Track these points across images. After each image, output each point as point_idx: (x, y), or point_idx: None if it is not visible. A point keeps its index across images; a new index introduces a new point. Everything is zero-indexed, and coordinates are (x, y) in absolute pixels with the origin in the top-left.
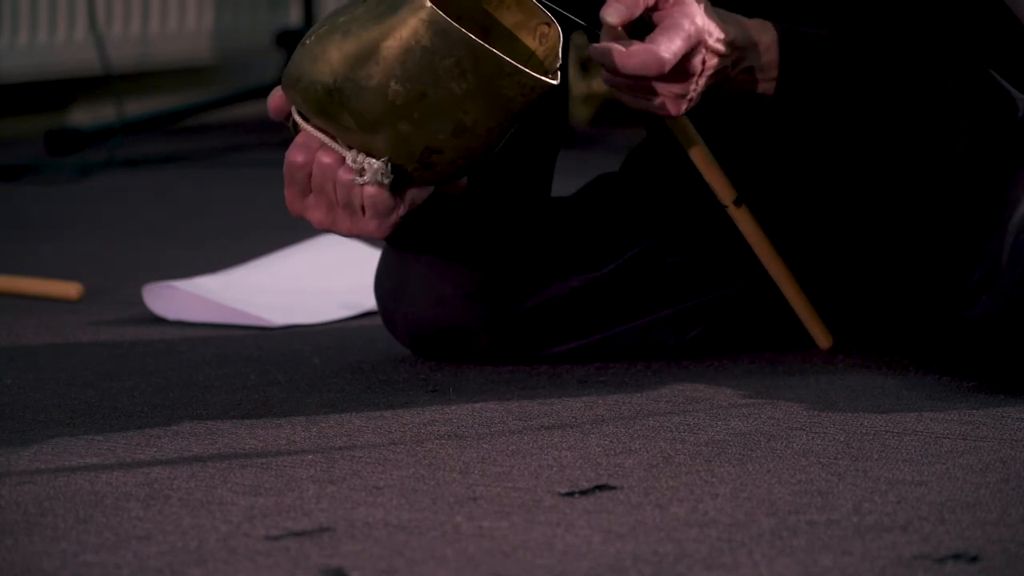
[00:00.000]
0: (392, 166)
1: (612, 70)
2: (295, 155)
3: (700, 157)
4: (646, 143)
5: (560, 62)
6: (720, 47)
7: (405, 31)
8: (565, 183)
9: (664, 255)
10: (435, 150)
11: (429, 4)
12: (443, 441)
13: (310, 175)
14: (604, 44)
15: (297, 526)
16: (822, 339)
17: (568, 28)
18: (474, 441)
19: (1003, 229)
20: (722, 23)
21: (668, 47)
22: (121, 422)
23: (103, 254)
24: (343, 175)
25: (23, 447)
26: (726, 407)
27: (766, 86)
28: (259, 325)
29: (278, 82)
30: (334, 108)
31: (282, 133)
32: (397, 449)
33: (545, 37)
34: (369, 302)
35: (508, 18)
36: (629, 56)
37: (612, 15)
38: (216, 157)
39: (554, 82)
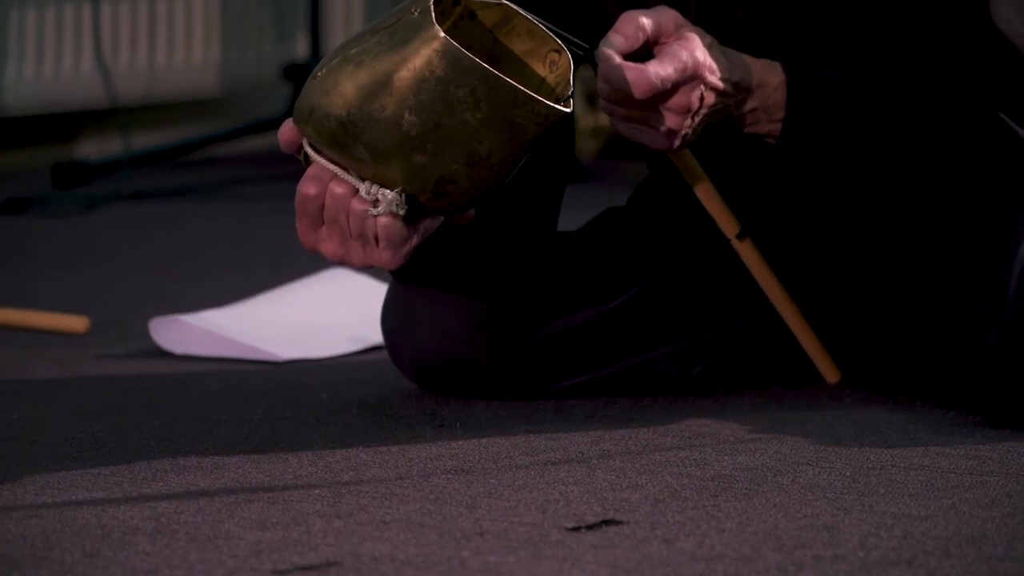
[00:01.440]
0: (406, 196)
1: (601, 80)
2: (307, 187)
3: (703, 190)
4: (652, 178)
5: (572, 89)
6: (720, 85)
7: (419, 61)
8: (572, 217)
9: (671, 290)
10: (449, 180)
11: (442, 34)
12: (449, 476)
13: (323, 207)
14: (604, 50)
15: (304, 560)
16: (830, 374)
17: (576, 60)
18: (480, 476)
19: (1009, 262)
20: (727, 62)
21: (657, 71)
22: (128, 456)
23: (110, 287)
24: (356, 205)
25: (30, 481)
26: (732, 442)
27: (772, 127)
28: (266, 359)
29: (286, 115)
30: (347, 140)
31: (289, 166)
32: (404, 484)
33: (555, 65)
34: (376, 336)
35: (518, 45)
36: (617, 68)
37: (612, 46)
38: (223, 190)
39: (567, 110)
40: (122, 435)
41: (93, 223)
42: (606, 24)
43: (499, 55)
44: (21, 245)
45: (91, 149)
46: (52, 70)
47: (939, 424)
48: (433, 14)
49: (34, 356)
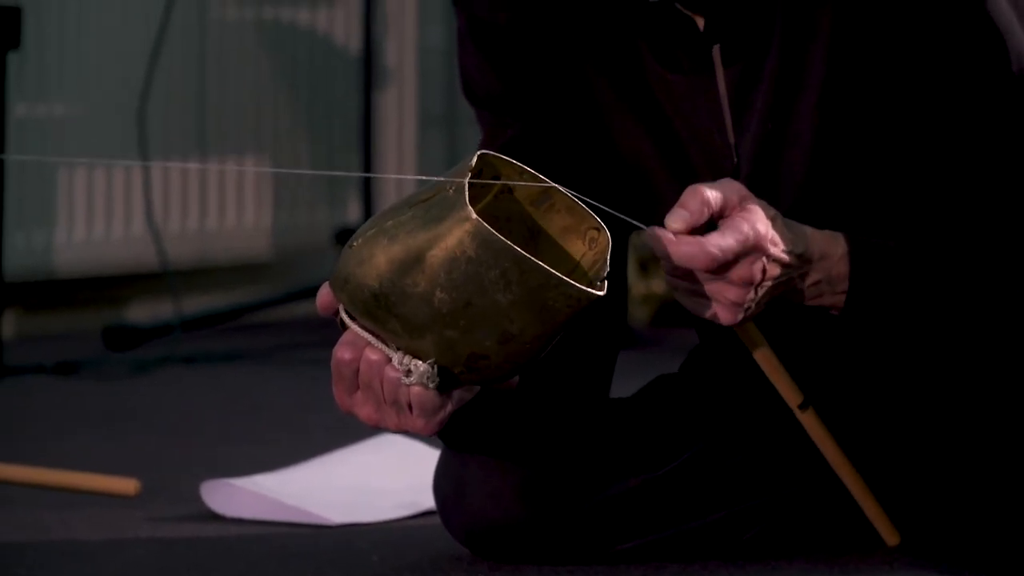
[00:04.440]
0: (438, 368)
1: (661, 257)
2: (343, 352)
3: (766, 361)
4: (703, 346)
5: (608, 269)
6: (784, 257)
7: (451, 241)
8: (624, 383)
9: (722, 456)
10: (481, 356)
11: (475, 216)
12: None
13: (357, 371)
14: (656, 229)
15: None
16: (889, 537)
17: (627, 228)
18: None
19: None
20: (790, 234)
21: (719, 243)
22: None
23: (161, 451)
24: (390, 373)
25: None
26: None
27: (835, 298)
28: (317, 523)
29: None
30: (380, 312)
31: (340, 332)
32: None
33: (595, 242)
34: (428, 502)
35: (557, 222)
36: (677, 244)
37: (676, 222)
38: (274, 355)
39: (600, 293)
40: None
41: (144, 386)
42: (657, 193)
43: (538, 231)
44: (71, 407)
45: (141, 312)
46: (103, 233)
47: None
48: (467, 195)
49: (84, 518)
